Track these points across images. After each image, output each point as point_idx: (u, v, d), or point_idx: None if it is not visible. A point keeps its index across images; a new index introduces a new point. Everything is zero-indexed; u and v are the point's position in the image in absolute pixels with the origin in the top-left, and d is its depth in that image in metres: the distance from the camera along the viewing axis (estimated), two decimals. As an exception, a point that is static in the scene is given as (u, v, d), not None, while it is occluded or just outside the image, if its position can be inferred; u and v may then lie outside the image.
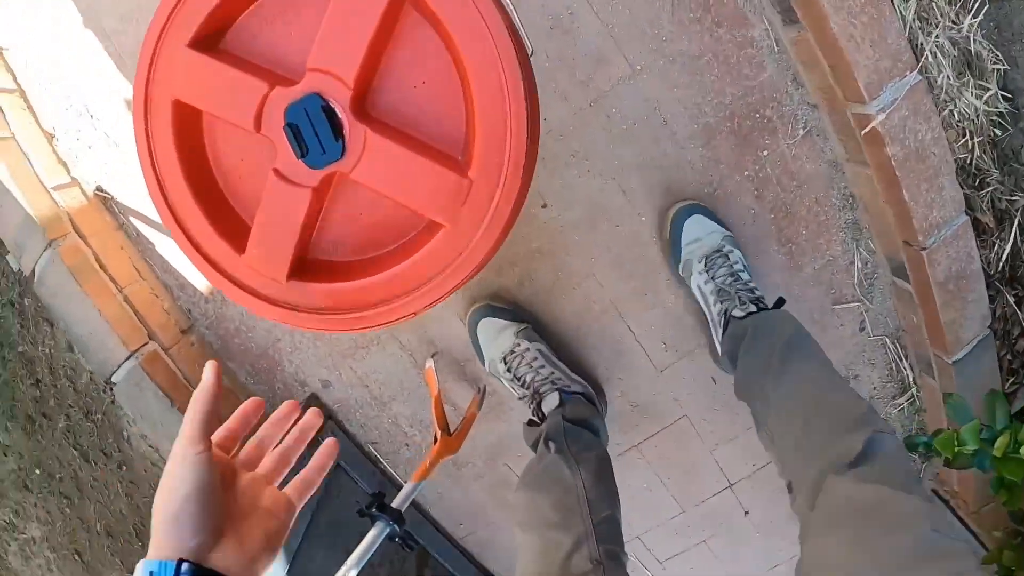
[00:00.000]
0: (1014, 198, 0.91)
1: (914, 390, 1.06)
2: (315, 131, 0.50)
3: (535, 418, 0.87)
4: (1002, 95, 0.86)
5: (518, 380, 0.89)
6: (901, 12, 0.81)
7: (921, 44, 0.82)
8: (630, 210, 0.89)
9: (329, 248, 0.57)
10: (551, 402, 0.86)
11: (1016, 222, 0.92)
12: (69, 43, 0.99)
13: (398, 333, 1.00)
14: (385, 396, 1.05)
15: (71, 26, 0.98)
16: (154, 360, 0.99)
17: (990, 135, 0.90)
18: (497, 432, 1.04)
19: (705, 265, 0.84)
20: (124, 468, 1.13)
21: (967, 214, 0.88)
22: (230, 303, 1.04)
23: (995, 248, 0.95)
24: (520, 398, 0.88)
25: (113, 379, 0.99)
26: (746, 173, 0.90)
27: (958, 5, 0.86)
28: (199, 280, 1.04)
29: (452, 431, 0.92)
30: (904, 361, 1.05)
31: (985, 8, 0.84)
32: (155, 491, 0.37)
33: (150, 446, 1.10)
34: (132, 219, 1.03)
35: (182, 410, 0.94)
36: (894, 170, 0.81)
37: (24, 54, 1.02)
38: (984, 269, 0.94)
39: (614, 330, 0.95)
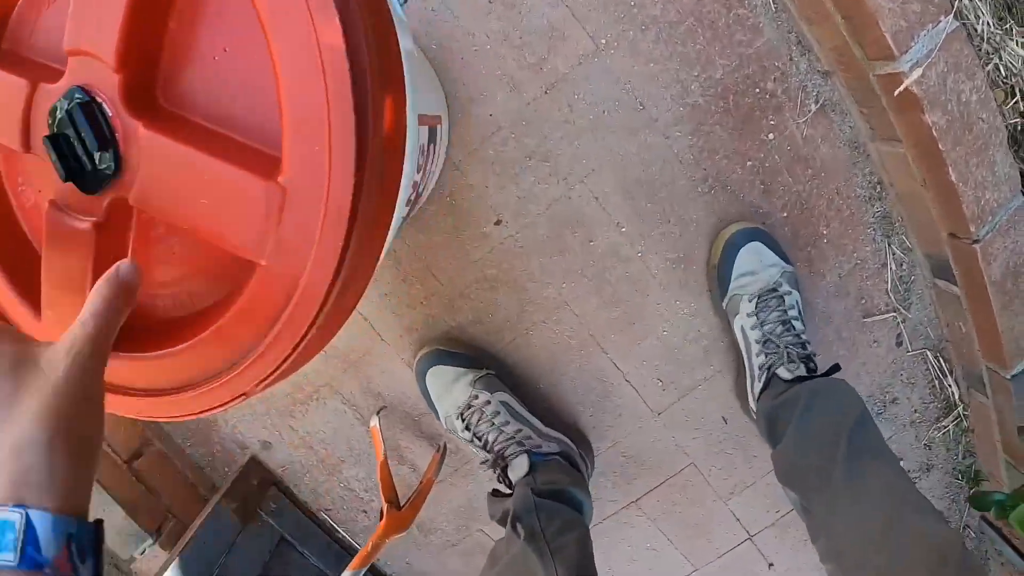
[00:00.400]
0: None
1: (960, 408, 0.88)
2: (82, 139, 0.33)
3: (502, 487, 0.70)
4: None
5: (479, 440, 0.71)
6: None
7: None
8: (606, 220, 0.71)
9: (146, 304, 0.41)
10: (519, 468, 0.68)
11: None
12: None
13: (339, 385, 0.82)
14: (333, 458, 0.88)
15: None
16: None
17: None
18: (466, 493, 0.86)
19: (756, 306, 0.68)
20: None
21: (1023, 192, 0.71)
22: None
23: None
24: (482, 463, 0.70)
25: None
26: (749, 163, 0.72)
27: None
28: None
29: (403, 503, 0.75)
30: (948, 377, 0.87)
31: None
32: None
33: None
34: None
35: (102, 481, 0.82)
36: (937, 143, 0.63)
37: None
38: None
39: (597, 369, 0.77)
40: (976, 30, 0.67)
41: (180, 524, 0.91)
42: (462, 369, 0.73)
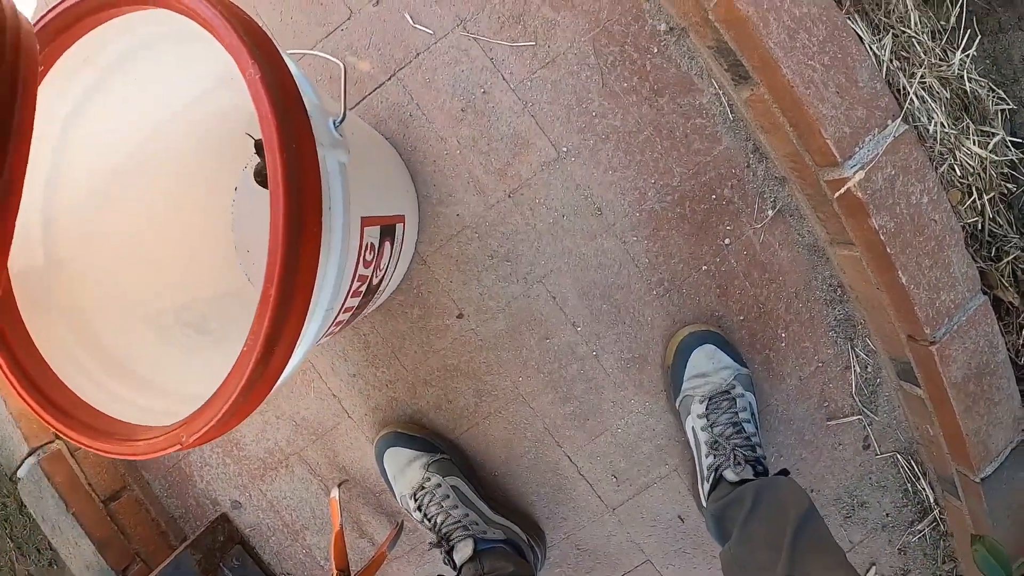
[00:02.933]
0: None
1: (936, 512, 0.83)
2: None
3: (447, 570, 0.69)
4: (1010, 140, 0.67)
5: (428, 521, 0.70)
6: (873, 51, 0.63)
7: (903, 87, 0.63)
8: (562, 319, 0.70)
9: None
10: (463, 551, 0.66)
11: None
12: None
13: (307, 456, 0.83)
14: (297, 524, 0.87)
15: None
16: (56, 460, 0.87)
17: (1001, 191, 0.71)
18: (421, 571, 0.84)
19: (707, 408, 0.67)
20: (55, 566, 1.02)
21: (984, 293, 0.68)
22: None
23: (1023, 332, 0.74)
24: (430, 543, 0.69)
25: (18, 474, 0.87)
26: (704, 268, 0.71)
27: (943, 40, 0.69)
28: None
29: (353, 574, 0.73)
30: (922, 480, 0.82)
31: (977, 41, 0.67)
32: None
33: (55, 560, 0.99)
34: None
35: (78, 515, 0.83)
36: (884, 246, 0.62)
37: None
38: (1012, 359, 0.74)
39: (551, 462, 0.75)
40: (928, 131, 0.66)
41: (145, 568, 0.90)
42: (417, 452, 0.72)
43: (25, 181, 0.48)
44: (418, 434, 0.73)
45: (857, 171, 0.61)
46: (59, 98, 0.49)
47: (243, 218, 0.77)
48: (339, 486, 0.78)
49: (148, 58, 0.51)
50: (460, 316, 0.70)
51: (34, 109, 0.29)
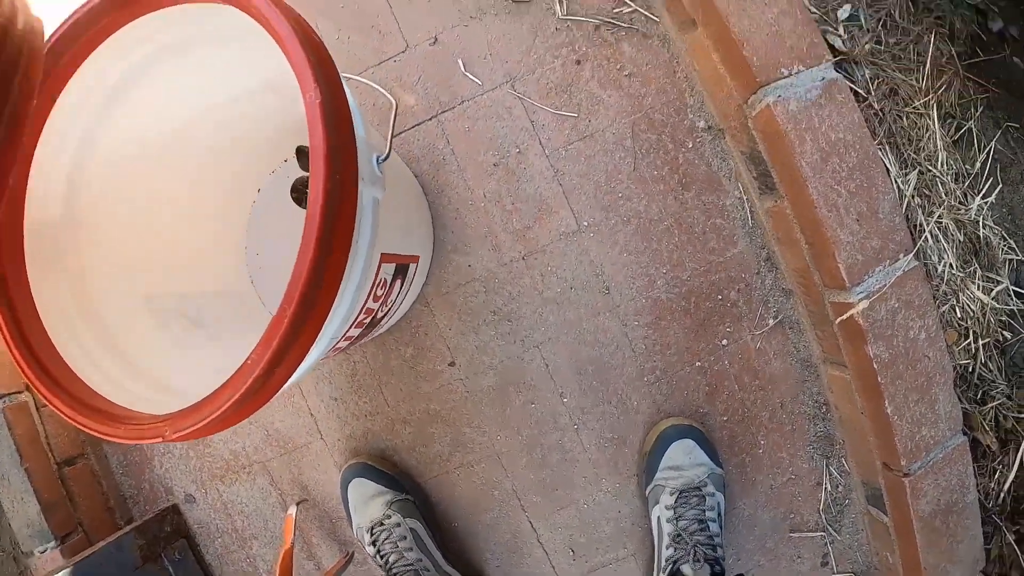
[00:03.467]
0: (1023, 416, 0.72)
1: (885, 641, 0.83)
2: None
3: None
4: (1014, 291, 0.69)
5: (381, 559, 0.69)
6: (898, 184, 0.65)
7: (920, 224, 0.65)
8: (551, 387, 0.70)
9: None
10: None
11: (1023, 446, 0.73)
12: None
13: (272, 468, 0.81)
14: (247, 532, 0.85)
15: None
16: (20, 411, 0.84)
17: (997, 338, 0.73)
18: (364, 606, 0.83)
19: (676, 500, 0.66)
20: None
21: (965, 434, 0.69)
22: None
23: (996, 475, 0.75)
24: None
25: None
26: (698, 364, 0.72)
27: (966, 184, 0.71)
28: None
29: None
30: (876, 606, 0.83)
31: (998, 189, 0.69)
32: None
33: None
34: None
35: (31, 472, 0.81)
36: (876, 375, 0.63)
37: None
38: (982, 501, 0.74)
39: (513, 524, 0.74)
40: (937, 270, 0.67)
41: (86, 540, 0.87)
42: (383, 488, 0.71)
43: (62, 137, 0.48)
44: (387, 470, 0.72)
45: (862, 299, 0.62)
46: (109, 68, 0.49)
47: (259, 222, 0.76)
48: (298, 504, 0.76)
49: (202, 49, 0.50)
50: (452, 364, 0.70)
51: (31, 98, 0.29)
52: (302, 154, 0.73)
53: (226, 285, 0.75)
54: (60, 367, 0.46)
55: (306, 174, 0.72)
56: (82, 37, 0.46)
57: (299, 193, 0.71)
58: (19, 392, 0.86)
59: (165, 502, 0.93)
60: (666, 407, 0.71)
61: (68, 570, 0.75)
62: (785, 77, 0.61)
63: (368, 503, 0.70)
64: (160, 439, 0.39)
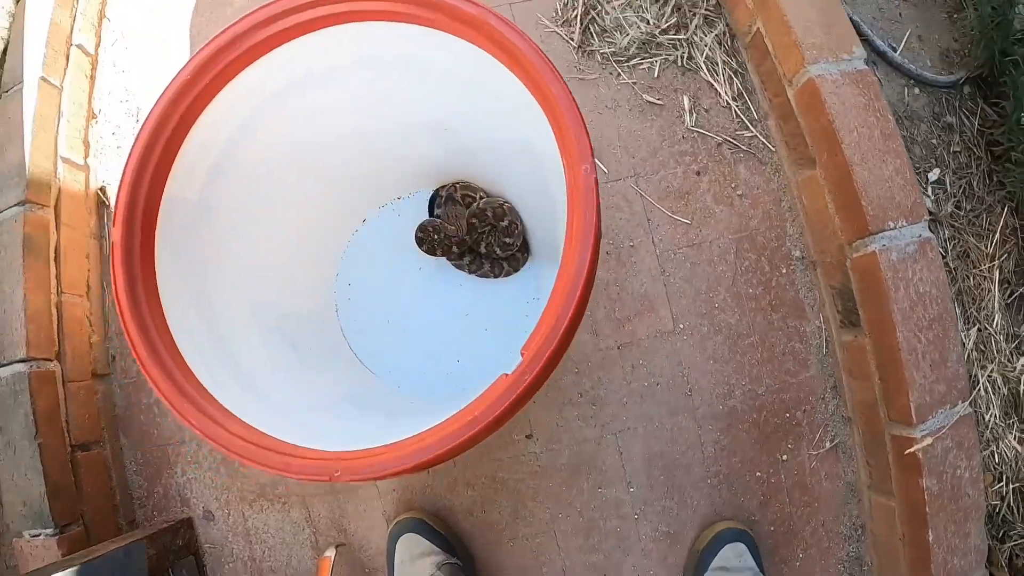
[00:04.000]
0: None
1: None
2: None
3: None
4: None
5: None
6: (963, 338, 0.72)
7: (975, 376, 0.72)
8: (621, 476, 0.72)
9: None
10: None
11: None
12: (161, 52, 0.95)
13: (312, 503, 0.78)
14: (265, 564, 0.82)
15: (172, 39, 0.93)
16: (46, 381, 0.78)
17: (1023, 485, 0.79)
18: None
19: None
20: None
21: (986, 567, 0.74)
22: None
23: None
24: None
25: None
26: (758, 474, 0.75)
27: (1015, 344, 0.78)
28: None
29: None
30: None
31: None
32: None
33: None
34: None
35: (43, 448, 0.75)
36: (925, 504, 0.67)
37: (120, 31, 0.96)
38: None
39: (556, 605, 0.74)
40: (984, 419, 0.74)
41: (84, 534, 0.79)
42: (435, 547, 0.69)
43: (217, 126, 0.46)
44: (440, 529, 0.71)
45: (925, 436, 0.67)
46: (278, 72, 0.48)
47: (356, 252, 0.76)
48: (337, 547, 0.74)
49: (381, 71, 0.50)
50: (529, 436, 0.71)
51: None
52: (435, 199, 0.73)
53: (313, 308, 0.73)
54: (189, 377, 0.43)
55: (431, 219, 0.72)
56: (272, 31, 0.44)
57: (425, 235, 0.71)
58: (49, 360, 0.80)
59: (179, 513, 0.88)
60: (722, 510, 0.73)
61: (74, 569, 0.69)
62: (891, 229, 0.67)
63: (416, 561, 0.69)
64: (328, 479, 0.37)
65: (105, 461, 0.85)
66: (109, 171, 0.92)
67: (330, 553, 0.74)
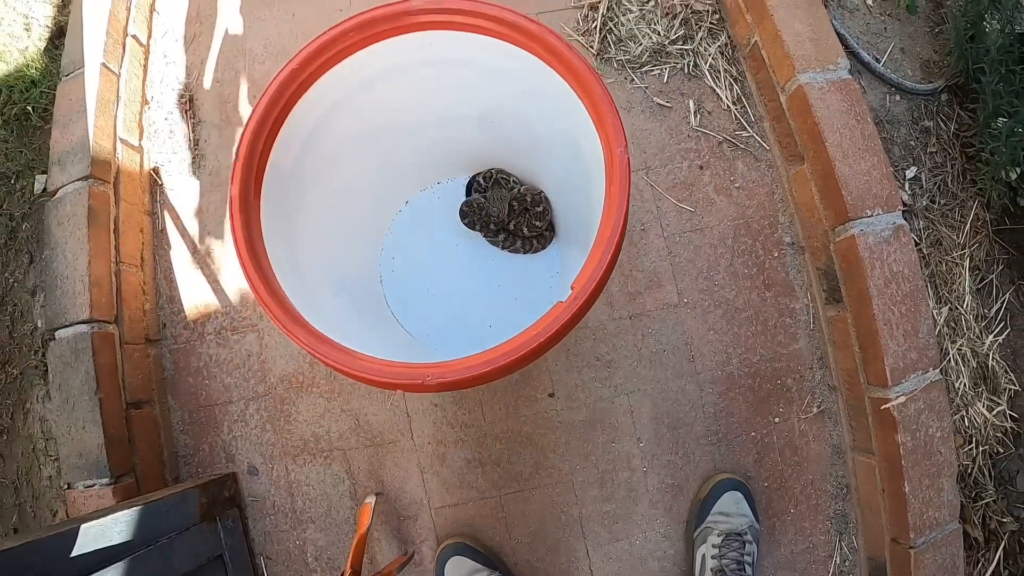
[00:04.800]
0: (1004, 520, 0.85)
1: None
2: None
3: None
4: (1009, 414, 0.84)
5: None
6: (934, 315, 0.81)
7: (946, 349, 0.81)
8: (632, 432, 0.80)
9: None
10: None
11: (1002, 545, 0.86)
12: (211, 44, 1.02)
13: (352, 457, 0.87)
14: (305, 515, 0.89)
15: (228, 29, 1.00)
16: (107, 341, 0.85)
17: (992, 450, 0.87)
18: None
19: (722, 541, 0.75)
20: (3, 437, 0.95)
21: (960, 523, 0.82)
22: (207, 338, 0.92)
23: (979, 566, 0.88)
24: None
25: (58, 334, 0.84)
26: (752, 434, 0.83)
27: (984, 323, 0.87)
28: (191, 302, 0.93)
29: None
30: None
31: (1006, 332, 0.85)
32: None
33: (43, 432, 0.92)
34: (167, 216, 0.97)
35: (103, 403, 0.80)
36: (901, 458, 0.76)
37: (169, 24, 1.05)
38: None
39: (571, 549, 0.81)
40: (955, 386, 0.82)
41: (135, 486, 0.86)
42: (480, 566, 0.77)
43: (313, 106, 0.53)
44: (481, 549, 0.79)
45: (899, 396, 0.76)
46: (360, 69, 0.56)
47: (400, 229, 0.84)
48: (377, 495, 0.82)
49: (456, 70, 0.58)
50: (551, 395, 0.79)
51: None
52: (472, 184, 0.82)
53: (362, 276, 0.81)
54: (292, 311, 0.49)
55: (476, 197, 0.80)
56: (365, 35, 0.52)
57: (470, 209, 0.79)
58: (109, 322, 0.87)
59: (223, 468, 0.95)
60: (721, 465, 0.81)
61: (139, 508, 0.75)
62: (868, 216, 0.76)
63: None
64: (421, 383, 0.42)
65: (155, 419, 0.92)
66: (161, 153, 1.00)
67: (371, 500, 0.82)
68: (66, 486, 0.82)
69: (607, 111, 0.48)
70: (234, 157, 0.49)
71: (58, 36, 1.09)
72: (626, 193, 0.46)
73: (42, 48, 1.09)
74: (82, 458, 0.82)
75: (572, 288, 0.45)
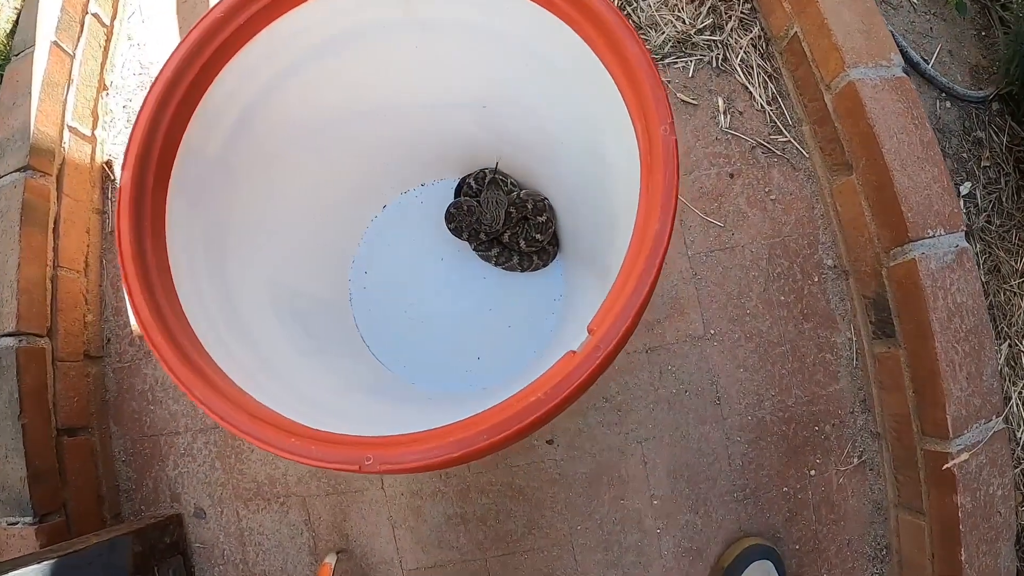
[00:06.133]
0: None
1: None
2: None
3: None
4: None
5: None
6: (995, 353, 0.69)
7: (1008, 392, 0.69)
8: (645, 487, 0.67)
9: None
10: None
11: None
12: (180, 29, 0.90)
13: (313, 505, 0.72)
14: (258, 567, 0.75)
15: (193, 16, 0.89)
16: (35, 357, 0.72)
17: None
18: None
19: None
20: None
21: None
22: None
23: None
24: None
25: None
26: (784, 489, 0.70)
27: None
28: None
29: None
30: None
31: None
32: None
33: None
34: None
35: (27, 429, 0.67)
36: (959, 522, 0.63)
37: (138, 4, 0.93)
38: None
39: (570, 623, 0.68)
40: (1016, 436, 0.71)
41: (65, 525, 0.72)
42: None
43: (242, 81, 0.40)
44: None
45: (962, 451, 0.63)
46: (320, 24, 0.43)
47: (375, 238, 0.71)
48: (338, 553, 0.68)
49: (429, 35, 0.45)
50: (550, 442, 0.66)
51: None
52: (461, 187, 0.68)
53: (327, 294, 0.68)
54: (196, 346, 0.37)
55: (468, 199, 0.67)
56: None
57: (458, 211, 0.66)
58: (40, 335, 0.74)
59: (168, 508, 0.81)
60: (747, 526, 0.68)
61: (52, 562, 0.62)
62: (930, 237, 0.64)
63: None
64: (357, 469, 0.30)
65: (92, 448, 0.78)
66: (117, 145, 0.87)
67: (331, 559, 0.68)
68: (-7, 526, 0.69)
69: (645, 76, 0.34)
70: (128, 140, 0.35)
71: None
72: (673, 191, 0.32)
73: (8, 30, 0.97)
74: (4, 491, 0.69)
75: (590, 332, 0.31)
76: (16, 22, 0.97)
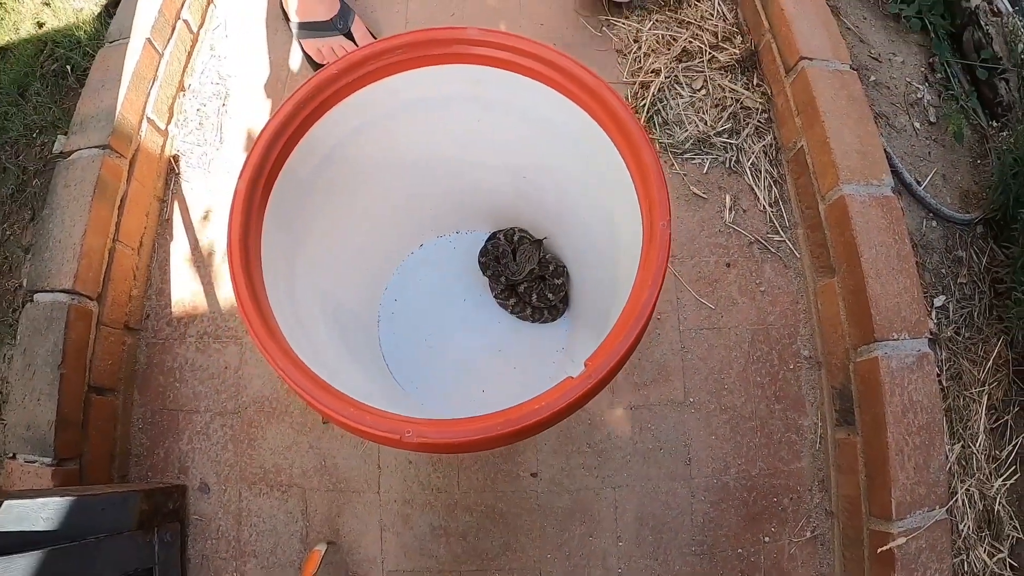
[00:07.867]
0: None
1: None
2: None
3: None
4: (1009, 562, 0.77)
5: None
6: (947, 452, 0.76)
7: (955, 487, 0.75)
8: (612, 528, 0.73)
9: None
10: None
11: None
12: (257, 49, 0.99)
13: (311, 497, 0.80)
14: (248, 548, 0.81)
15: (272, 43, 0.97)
16: (83, 316, 0.79)
17: None
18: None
19: None
20: None
21: None
22: (188, 339, 0.85)
23: None
24: None
25: (36, 297, 0.78)
26: (740, 550, 0.77)
27: (994, 465, 0.81)
28: (179, 298, 0.88)
29: None
30: None
31: (1016, 476, 0.79)
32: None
33: (1, 393, 0.84)
34: (177, 206, 0.92)
35: (63, 379, 0.74)
36: None
37: (223, 19, 1.02)
38: None
39: (526, 644, 0.73)
40: (959, 528, 0.76)
41: (78, 474, 0.78)
42: None
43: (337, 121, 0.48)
44: None
45: (902, 532, 0.70)
46: (394, 93, 0.52)
47: (409, 271, 0.79)
48: (328, 544, 0.75)
49: (482, 109, 0.55)
50: (534, 475, 0.73)
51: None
52: (491, 240, 0.78)
53: (361, 313, 0.76)
54: (276, 327, 0.44)
55: (506, 248, 0.75)
56: (399, 58, 0.49)
57: (495, 252, 0.74)
58: (90, 298, 0.81)
59: (174, 478, 0.87)
60: (699, 581, 0.75)
61: (72, 499, 0.66)
62: (894, 340, 0.72)
63: None
64: (399, 439, 0.37)
65: (115, 410, 0.85)
66: (185, 143, 0.96)
67: (321, 548, 0.74)
68: (11, 455, 0.75)
69: (654, 180, 0.44)
70: (250, 149, 0.45)
71: (114, 5, 1.07)
72: (662, 271, 0.42)
73: (96, 13, 1.06)
74: (29, 431, 0.75)
75: (586, 365, 0.40)
76: (105, 6, 1.07)
